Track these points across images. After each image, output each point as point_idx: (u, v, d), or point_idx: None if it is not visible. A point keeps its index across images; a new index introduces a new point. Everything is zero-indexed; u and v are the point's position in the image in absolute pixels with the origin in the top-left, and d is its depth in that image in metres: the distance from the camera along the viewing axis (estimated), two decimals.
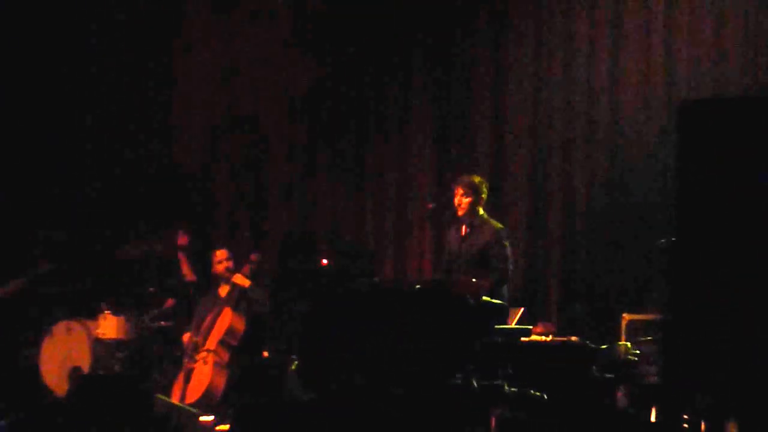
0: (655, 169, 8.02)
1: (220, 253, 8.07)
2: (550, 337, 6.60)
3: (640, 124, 8.24)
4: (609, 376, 6.29)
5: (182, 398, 7.44)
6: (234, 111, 9.40)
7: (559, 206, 8.50)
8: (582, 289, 8.31)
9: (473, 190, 7.10)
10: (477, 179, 7.19)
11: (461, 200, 7.10)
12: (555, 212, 8.51)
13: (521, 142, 8.64)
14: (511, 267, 7.12)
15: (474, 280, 6.60)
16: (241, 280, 7.86)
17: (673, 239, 4.90)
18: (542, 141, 8.58)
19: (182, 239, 8.43)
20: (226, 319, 7.70)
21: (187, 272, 8.43)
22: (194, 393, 7.48)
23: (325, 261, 8.07)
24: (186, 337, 7.82)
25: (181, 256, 8.42)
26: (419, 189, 8.93)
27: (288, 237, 9.19)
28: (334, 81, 9.16)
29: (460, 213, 7.14)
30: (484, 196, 7.18)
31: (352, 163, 9.23)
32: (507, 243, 7.12)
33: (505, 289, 7.05)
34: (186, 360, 7.67)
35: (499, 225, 7.20)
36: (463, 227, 7.19)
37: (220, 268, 8.04)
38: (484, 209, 7.23)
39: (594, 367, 6.29)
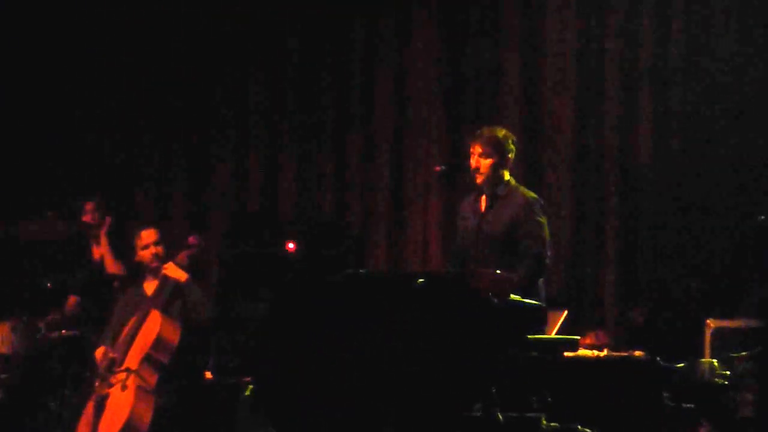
0: (751, 120, 8.08)
1: (147, 234, 8.00)
2: (604, 352, 6.71)
3: (730, 59, 8.27)
4: (687, 405, 6.40)
5: None
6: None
7: (618, 174, 8.56)
8: (649, 286, 8.36)
9: (496, 148, 7.06)
10: (501, 132, 7.15)
11: (480, 161, 7.04)
12: (611, 183, 8.59)
13: (564, 90, 8.70)
14: (549, 253, 6.97)
15: (498, 271, 6.41)
16: (175, 271, 7.80)
17: None
18: (593, 87, 8.63)
19: (89, 216, 8.49)
20: (154, 326, 7.62)
21: (109, 261, 8.45)
22: (109, 429, 7.39)
23: (291, 245, 8.12)
24: (99, 352, 7.76)
25: (103, 239, 8.46)
26: (422, 148, 9.00)
27: (240, 213, 9.28)
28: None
29: (479, 179, 7.12)
30: (511, 155, 7.12)
31: (330, 113, 9.35)
32: (544, 219, 7.02)
33: (541, 285, 6.95)
34: (98, 383, 7.58)
35: (533, 194, 7.17)
36: (483, 198, 7.12)
37: (145, 254, 7.97)
38: (511, 174, 7.24)
39: (666, 394, 6.37)
